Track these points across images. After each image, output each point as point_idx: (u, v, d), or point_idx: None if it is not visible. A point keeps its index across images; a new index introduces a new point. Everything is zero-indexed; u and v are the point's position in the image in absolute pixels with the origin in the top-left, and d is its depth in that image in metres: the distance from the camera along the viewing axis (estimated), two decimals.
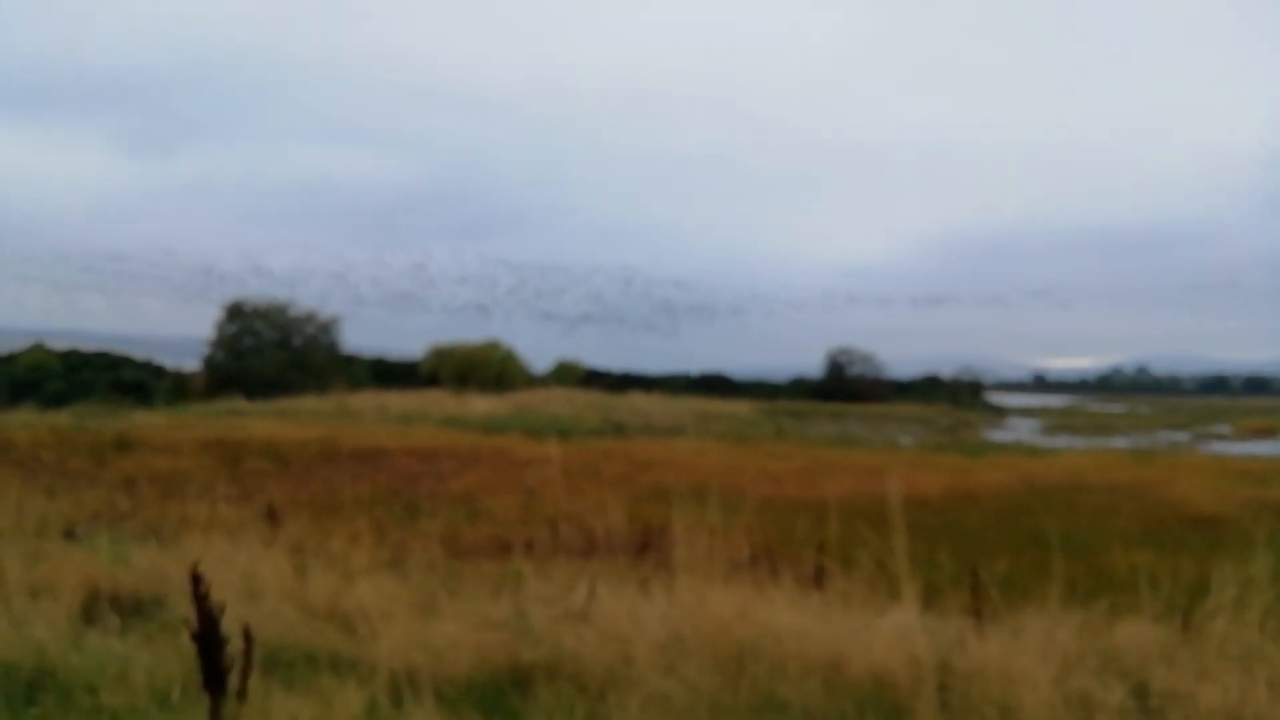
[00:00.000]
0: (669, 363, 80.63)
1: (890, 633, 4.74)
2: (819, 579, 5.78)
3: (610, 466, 13.99)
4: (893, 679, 4.43)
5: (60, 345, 49.20)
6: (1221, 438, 39.95)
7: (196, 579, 3.98)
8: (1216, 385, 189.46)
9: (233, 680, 3.98)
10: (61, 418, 24.80)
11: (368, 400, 37.16)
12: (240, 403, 34.97)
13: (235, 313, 48.68)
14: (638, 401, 44.54)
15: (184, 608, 4.33)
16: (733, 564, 6.18)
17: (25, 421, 22.86)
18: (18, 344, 48.03)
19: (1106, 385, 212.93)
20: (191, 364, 51.93)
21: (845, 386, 71.65)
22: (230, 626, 4.03)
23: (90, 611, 5.70)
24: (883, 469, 12.75)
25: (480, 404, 36.68)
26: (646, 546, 8.58)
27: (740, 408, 47.02)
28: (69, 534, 7.07)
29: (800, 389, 75.02)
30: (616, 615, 5.09)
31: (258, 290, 51.73)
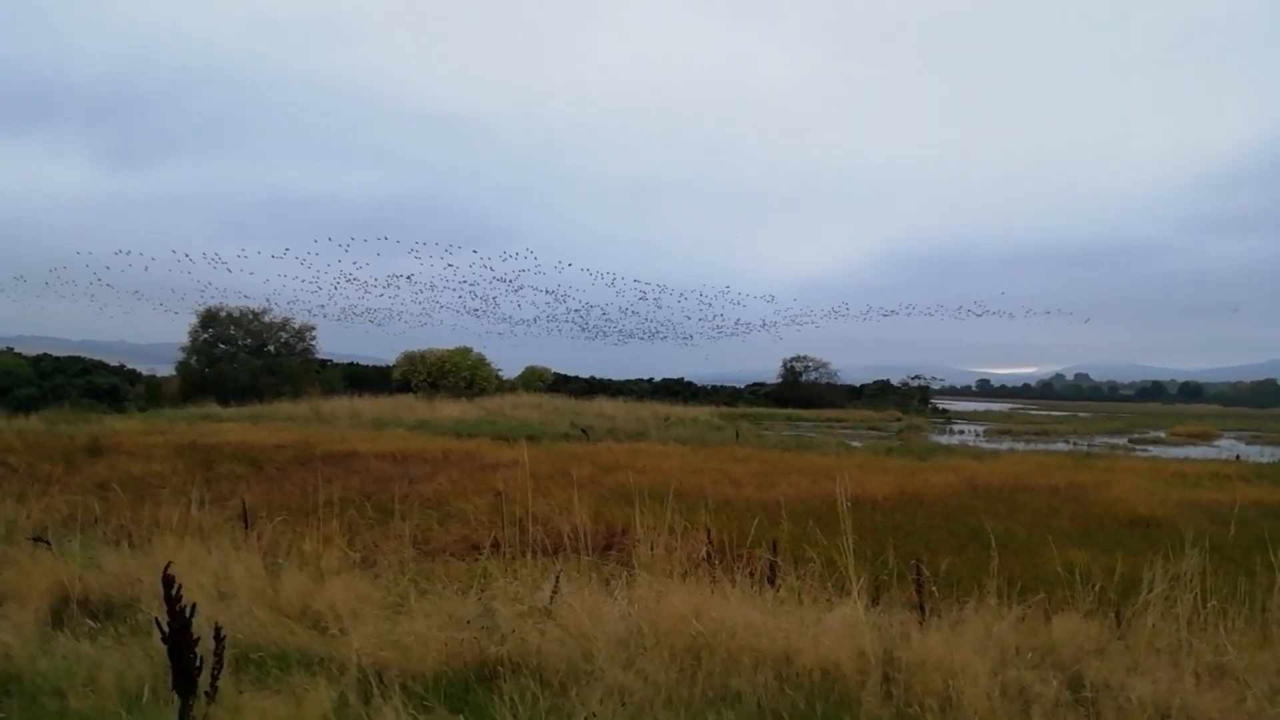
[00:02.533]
0: (633, 369, 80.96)
1: (838, 627, 4.94)
2: (772, 576, 5.96)
3: (577, 469, 14.08)
4: (840, 671, 4.62)
5: (31, 351, 48.59)
6: (1157, 442, 40.74)
7: (168, 581, 4.10)
8: (1153, 392, 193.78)
9: (203, 680, 4.10)
10: (32, 423, 24.52)
11: (341, 405, 36.91)
12: (214, 408, 34.70)
13: (210, 319, 48.24)
14: (603, 406, 44.55)
15: (155, 610, 4.40)
16: (691, 562, 6.35)
17: None
18: None
19: (1048, 391, 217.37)
20: (166, 370, 51.43)
21: (801, 392, 73.05)
22: (201, 627, 4.15)
23: (59, 616, 5.73)
24: (835, 471, 12.95)
25: (451, 409, 36.53)
26: (610, 546, 8.76)
27: (701, 412, 47.24)
28: (38, 539, 7.08)
29: (758, 394, 76.16)
30: (579, 612, 5.24)
31: (233, 299, 51.11)
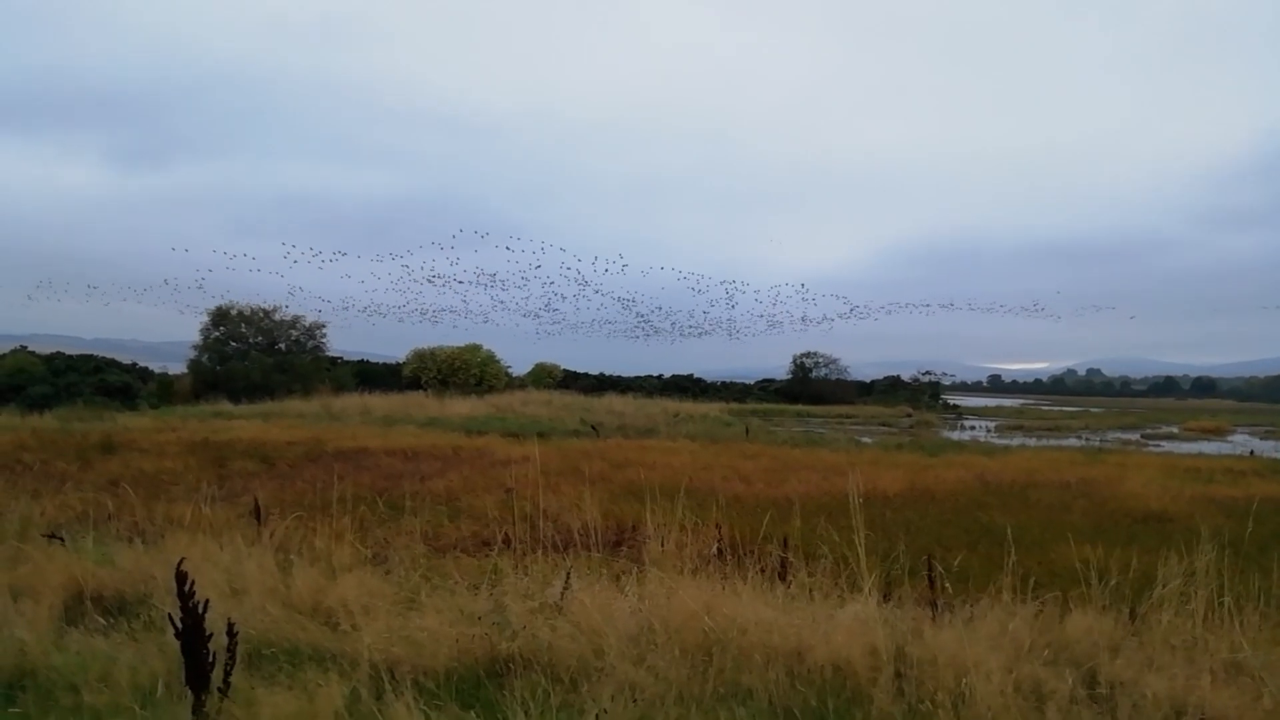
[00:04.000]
0: (642, 366, 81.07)
1: (850, 623, 4.92)
2: (783, 573, 5.94)
3: (587, 466, 14.07)
4: (852, 667, 4.61)
5: (45, 349, 48.97)
6: (1170, 437, 40.49)
7: (181, 577, 4.12)
8: (1166, 387, 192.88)
9: (216, 676, 4.13)
10: (46, 420, 24.71)
11: (351, 402, 37.06)
12: (226, 405, 34.88)
13: (221, 317, 48.51)
14: (613, 403, 44.58)
15: (169, 606, 4.42)
16: (702, 559, 6.35)
17: (8, 424, 22.75)
18: (2, 348, 47.75)
19: (1060, 387, 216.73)
20: (178, 368, 51.75)
21: (811, 388, 72.96)
22: (214, 623, 4.17)
23: (73, 612, 5.76)
24: (846, 467, 12.91)
25: (461, 406, 36.61)
26: (620, 542, 8.75)
27: (711, 409, 47.26)
28: (52, 535, 7.13)
29: (768, 391, 76.17)
30: (590, 609, 5.24)
31: (245, 297, 51.41)
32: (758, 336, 69.11)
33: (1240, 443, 35.93)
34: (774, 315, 67.17)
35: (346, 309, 61.56)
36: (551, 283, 62.25)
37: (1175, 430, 46.67)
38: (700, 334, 67.18)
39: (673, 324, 66.45)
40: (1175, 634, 5.05)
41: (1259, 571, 5.52)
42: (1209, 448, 31.78)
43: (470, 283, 62.71)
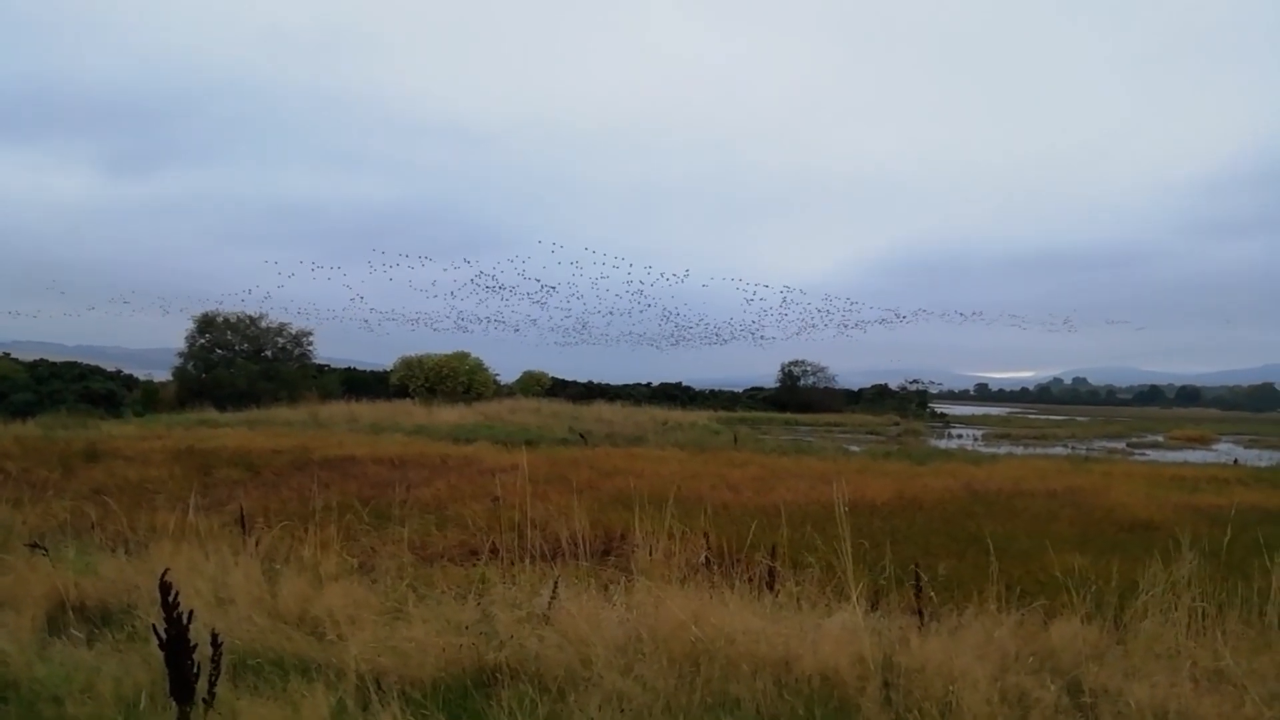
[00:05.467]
0: (631, 373, 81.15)
1: (838, 632, 4.93)
2: (770, 582, 5.96)
3: (576, 474, 14.07)
4: (840, 677, 4.62)
5: (28, 356, 48.50)
6: (1155, 446, 40.84)
7: (165, 587, 4.09)
8: (1151, 396, 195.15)
9: (201, 687, 4.09)
10: (29, 428, 24.47)
11: (338, 410, 36.88)
12: (211, 413, 34.66)
13: (207, 324, 48.21)
14: (601, 411, 44.59)
15: (153, 617, 4.39)
16: (690, 568, 6.35)
17: None
18: None
19: (1046, 396, 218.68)
20: (162, 375, 51.39)
21: (799, 397, 73.27)
22: (199, 634, 4.14)
23: (56, 622, 5.71)
24: (834, 476, 12.95)
25: (449, 414, 36.51)
26: (609, 551, 8.75)
27: (699, 417, 47.34)
28: (34, 545, 7.05)
29: (756, 399, 76.44)
30: (578, 618, 5.23)
31: (234, 304, 51.32)
32: (746, 344, 69.10)
33: (1224, 451, 36.26)
34: (763, 323, 67.22)
35: (336, 316, 61.33)
36: (547, 288, 62.08)
37: (1160, 439, 47.11)
38: (690, 342, 67.20)
39: (671, 331, 66.42)
40: (1158, 642, 5.09)
41: (1241, 579, 5.56)
42: (1194, 456, 32.04)
43: (463, 291, 62.60)
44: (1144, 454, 33.78)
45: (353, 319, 60.47)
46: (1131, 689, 4.47)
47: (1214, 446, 41.97)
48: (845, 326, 63.91)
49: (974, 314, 67.22)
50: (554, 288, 61.30)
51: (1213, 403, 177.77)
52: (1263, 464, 25.14)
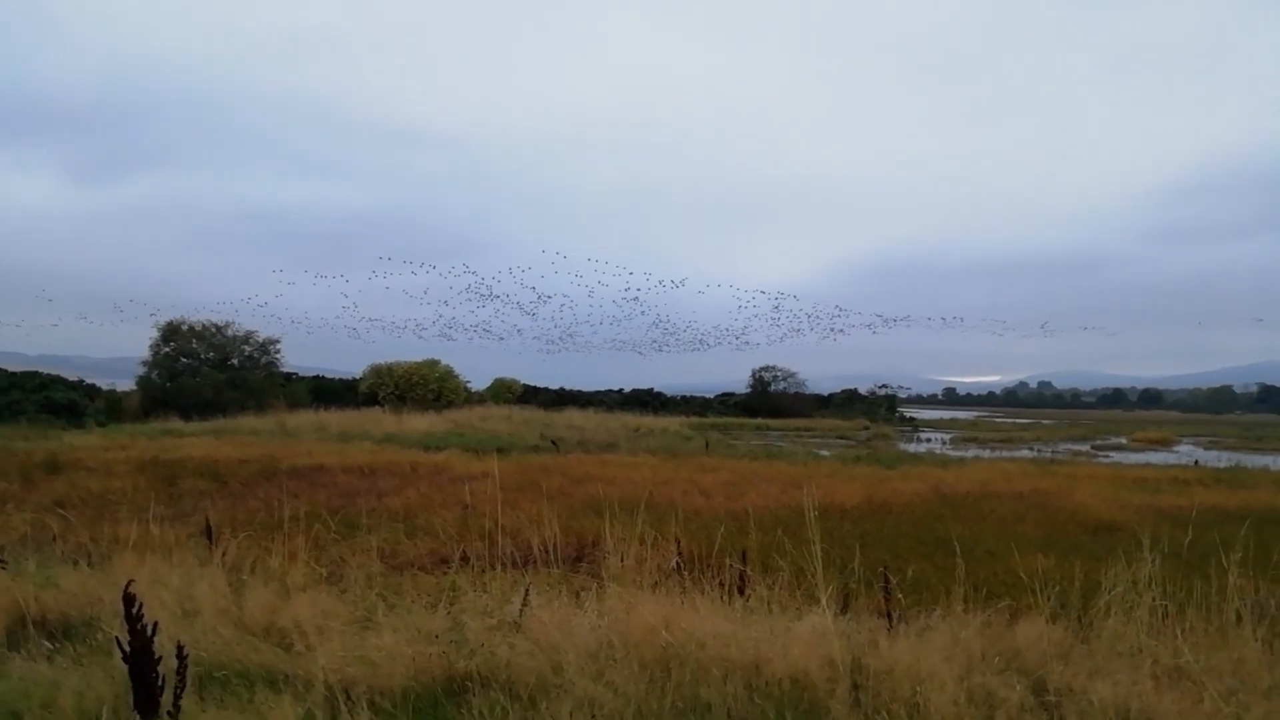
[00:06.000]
0: (603, 380, 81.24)
1: (807, 635, 4.97)
2: (741, 586, 5.99)
3: (547, 481, 14.05)
4: (809, 679, 4.65)
5: None
6: (1119, 448, 41.61)
7: (128, 599, 4.04)
8: (1114, 399, 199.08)
9: (166, 700, 4.04)
10: None
11: (306, 419, 36.53)
12: (176, 422, 34.15)
13: (171, 332, 47.47)
14: (573, 418, 44.64)
15: (116, 629, 4.33)
16: (661, 573, 6.37)
17: None
18: None
19: (1012, 399, 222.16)
20: (126, 385, 50.52)
21: (770, 402, 73.92)
22: (164, 646, 4.09)
23: (16, 636, 5.60)
24: (804, 480, 13.05)
25: (419, 421, 36.27)
26: (580, 558, 8.74)
27: (671, 423, 47.49)
28: None
29: (727, 404, 76.93)
30: (549, 625, 5.23)
31: (198, 312, 50.64)
32: (718, 350, 69.42)
33: (1185, 453, 36.93)
34: (735, 329, 67.50)
35: (302, 323, 60.66)
36: (510, 297, 61.84)
37: (1124, 441, 47.92)
38: (660, 348, 67.28)
39: (657, 337, 66.45)
40: (1121, 640, 5.18)
41: (1201, 578, 5.68)
42: (1156, 458, 32.62)
43: (430, 297, 62.13)
44: (1108, 456, 34.33)
45: (320, 325, 59.85)
46: (1095, 687, 4.55)
47: (1175, 448, 42.75)
48: (832, 332, 64.28)
49: (954, 319, 67.95)
50: (549, 297, 61.04)
51: (1174, 405, 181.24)
52: (1221, 465, 25.62)
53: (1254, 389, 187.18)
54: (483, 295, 59.23)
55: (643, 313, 68.80)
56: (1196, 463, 26.59)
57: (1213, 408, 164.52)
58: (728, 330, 66.00)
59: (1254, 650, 5.03)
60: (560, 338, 64.53)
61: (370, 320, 64.94)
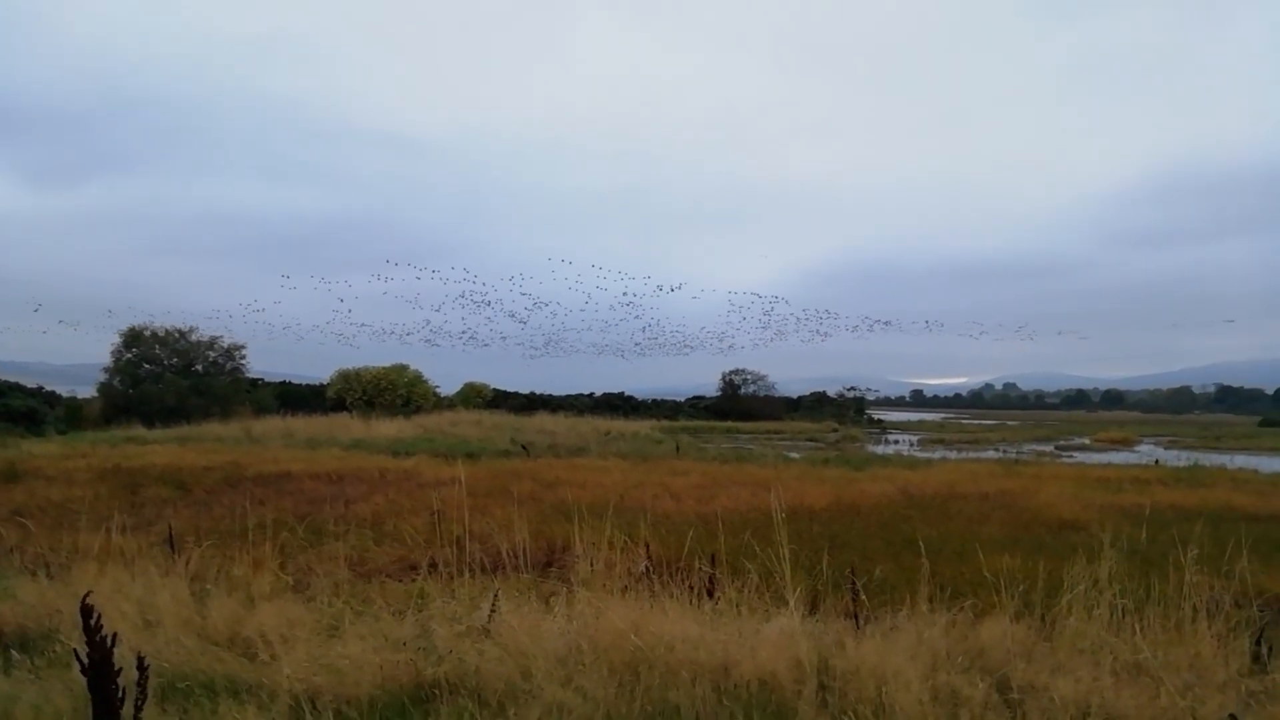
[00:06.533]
0: (573, 384, 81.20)
1: (775, 637, 5.00)
2: (710, 589, 6.01)
3: (517, 486, 14.00)
4: (777, 681, 4.68)
5: None
6: (1082, 448, 42.45)
7: (87, 610, 3.96)
8: (1077, 400, 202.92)
9: (126, 712, 3.97)
10: None
11: (273, 425, 36.02)
12: (139, 430, 33.53)
13: (134, 338, 46.59)
14: (544, 422, 44.57)
15: (75, 641, 4.25)
16: (631, 577, 6.37)
17: None
18: None
19: (978, 401, 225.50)
20: (87, 392, 49.51)
21: (740, 405, 74.28)
22: (124, 657, 4.02)
23: None
24: (773, 483, 13.13)
25: (387, 427, 35.91)
26: (551, 563, 8.72)
27: (642, 426, 47.57)
28: None
29: (698, 408, 77.22)
30: (518, 631, 5.21)
31: (163, 318, 49.85)
32: (689, 353, 69.54)
33: (1146, 452, 37.66)
34: (706, 332, 67.72)
35: (269, 328, 59.87)
36: (462, 298, 61.37)
37: (1087, 441, 48.79)
38: (631, 351, 67.34)
39: (641, 341, 66.41)
40: (1082, 638, 5.28)
41: (1159, 576, 5.80)
42: (1118, 458, 33.23)
43: (400, 302, 61.61)
44: (1071, 456, 34.91)
45: (288, 331, 59.07)
46: (1056, 684, 4.63)
47: (1137, 448, 43.57)
48: (817, 334, 64.63)
49: (910, 323, 68.56)
50: (545, 304, 60.71)
51: (1135, 406, 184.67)
52: (1181, 464, 26.15)
53: (1212, 389, 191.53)
54: (476, 302, 58.70)
55: (636, 317, 68.72)
56: (1157, 462, 27.12)
57: (1173, 408, 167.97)
58: (710, 333, 66.28)
59: (1209, 645, 5.15)
60: (545, 343, 64.43)
61: (358, 326, 64.22)
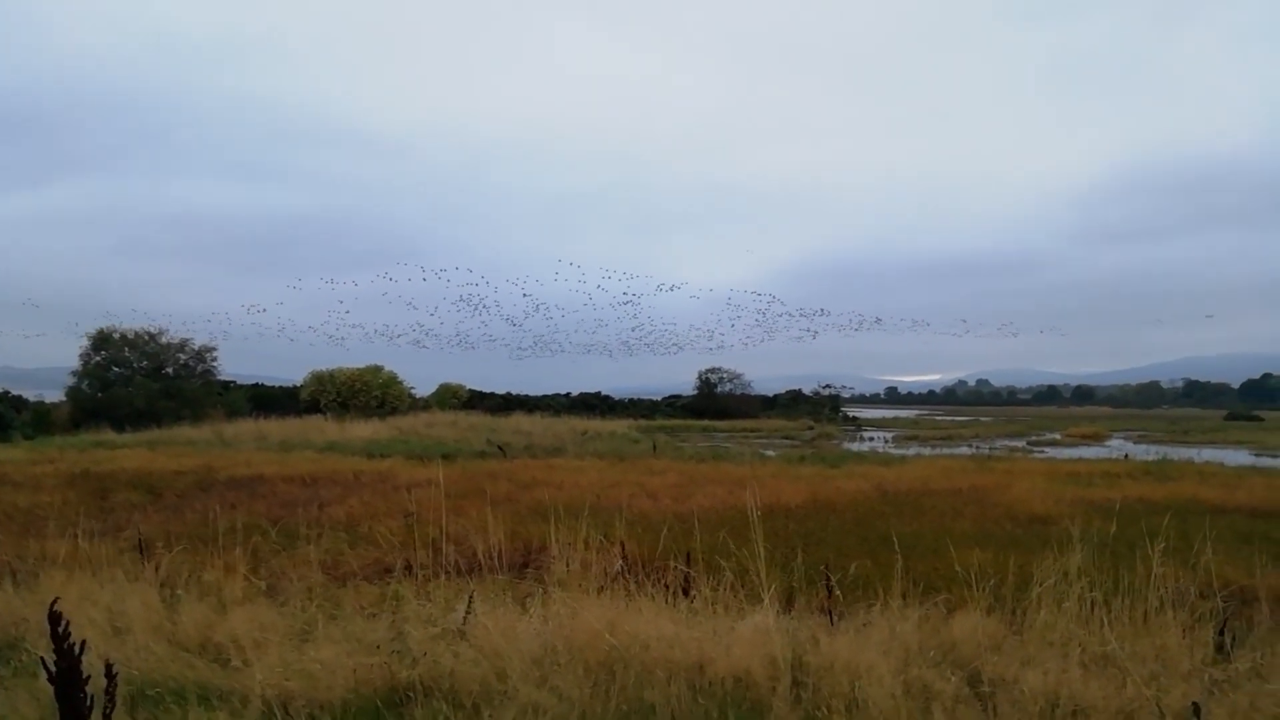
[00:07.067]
0: (550, 384, 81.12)
1: (750, 635, 5.03)
2: (686, 588, 6.03)
3: (493, 487, 13.95)
4: (752, 678, 4.71)
5: None
6: (1053, 444, 43.08)
7: (54, 617, 3.90)
8: (1049, 396, 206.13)
9: None
10: None
11: (246, 428, 35.60)
12: (109, 434, 33.02)
13: (102, 341, 45.79)
14: (520, 422, 44.44)
15: (42, 649, 4.19)
16: (607, 577, 6.38)
17: None
18: None
19: (952, 398, 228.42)
20: (55, 395, 48.66)
21: (716, 404, 74.56)
22: (93, 665, 3.97)
23: None
24: (749, 481, 13.19)
25: (362, 429, 35.59)
26: (527, 564, 8.70)
27: (619, 426, 47.60)
28: None
29: (675, 407, 77.42)
30: (493, 632, 5.20)
31: (131, 320, 49.04)
32: (666, 353, 69.66)
33: (1116, 447, 38.17)
34: (695, 330, 67.98)
35: (242, 329, 59.19)
36: (460, 301, 61.19)
37: (1058, 436, 49.44)
38: (608, 351, 67.36)
39: (585, 341, 66.41)
40: (1051, 631, 5.35)
41: (1127, 568, 5.89)
42: (1088, 453, 33.70)
43: (376, 303, 61.23)
44: (1043, 451, 35.35)
45: (261, 333, 58.40)
46: (1026, 677, 4.70)
47: (1107, 443, 44.18)
48: (808, 333, 64.86)
49: (884, 321, 69.03)
50: (545, 305, 60.51)
51: (1105, 401, 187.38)
52: (1149, 458, 26.55)
53: (1180, 384, 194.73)
54: (473, 305, 58.37)
55: (634, 315, 68.81)
56: (1126, 456, 27.53)
57: (1142, 403, 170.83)
58: (699, 331, 66.43)
59: (1175, 636, 5.24)
60: (534, 344, 64.28)
61: (307, 325, 63.54)
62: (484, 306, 59.19)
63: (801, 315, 63.08)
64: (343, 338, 62.41)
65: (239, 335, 58.62)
